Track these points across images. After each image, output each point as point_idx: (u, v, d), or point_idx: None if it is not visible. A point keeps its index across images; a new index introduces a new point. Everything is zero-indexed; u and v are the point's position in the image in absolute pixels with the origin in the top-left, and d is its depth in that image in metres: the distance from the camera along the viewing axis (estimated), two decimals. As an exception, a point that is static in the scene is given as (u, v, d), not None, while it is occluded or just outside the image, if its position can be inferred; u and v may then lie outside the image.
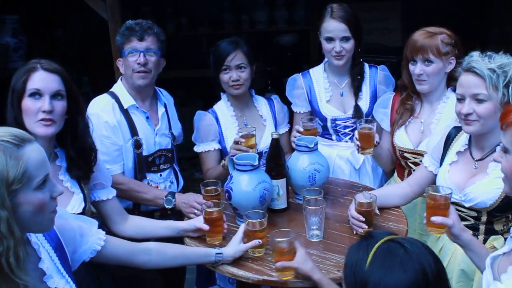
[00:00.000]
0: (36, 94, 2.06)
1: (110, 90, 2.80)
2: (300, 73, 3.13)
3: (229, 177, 2.45)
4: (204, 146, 2.94)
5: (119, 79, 2.85)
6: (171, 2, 5.83)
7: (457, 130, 2.36)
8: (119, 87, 2.80)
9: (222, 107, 3.00)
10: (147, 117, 2.79)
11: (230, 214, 2.50)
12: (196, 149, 2.98)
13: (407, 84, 2.76)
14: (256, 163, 2.38)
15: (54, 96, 2.08)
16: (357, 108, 2.98)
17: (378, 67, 3.06)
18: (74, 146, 2.16)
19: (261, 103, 3.08)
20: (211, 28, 5.80)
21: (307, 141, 2.58)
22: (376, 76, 3.03)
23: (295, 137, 2.70)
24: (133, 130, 2.72)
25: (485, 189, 2.16)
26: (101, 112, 2.66)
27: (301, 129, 2.78)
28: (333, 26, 2.84)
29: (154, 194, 2.70)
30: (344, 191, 2.75)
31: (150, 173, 2.80)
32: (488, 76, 2.07)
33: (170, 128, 2.92)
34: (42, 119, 2.04)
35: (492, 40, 5.24)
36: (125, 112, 2.72)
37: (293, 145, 2.68)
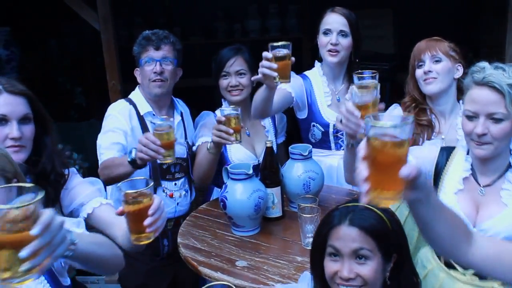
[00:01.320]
0: (2, 120, 1.89)
1: (128, 97, 2.85)
2: (299, 75, 2.99)
3: (223, 186, 2.45)
4: (206, 138, 2.75)
5: (137, 87, 2.87)
6: (163, 11, 5.84)
7: (448, 151, 2.07)
8: (136, 95, 2.82)
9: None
10: None
11: (225, 223, 2.50)
12: (197, 142, 2.84)
13: (417, 96, 2.61)
14: (251, 172, 2.38)
15: (22, 120, 1.91)
16: None
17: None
18: (38, 169, 1.95)
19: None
20: (203, 37, 5.81)
21: (301, 149, 2.59)
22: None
23: (263, 66, 2.36)
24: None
25: (509, 221, 1.87)
26: (118, 114, 2.70)
27: (270, 56, 2.36)
28: (332, 18, 2.79)
29: (121, 160, 2.51)
30: (339, 199, 2.75)
31: (165, 181, 2.80)
32: (508, 92, 1.80)
33: (186, 137, 2.91)
34: (11, 146, 1.87)
35: (483, 46, 5.27)
36: (141, 119, 2.75)
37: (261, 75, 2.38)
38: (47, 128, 2.02)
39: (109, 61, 3.75)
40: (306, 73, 3.03)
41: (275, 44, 2.36)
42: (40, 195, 1.21)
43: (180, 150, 2.82)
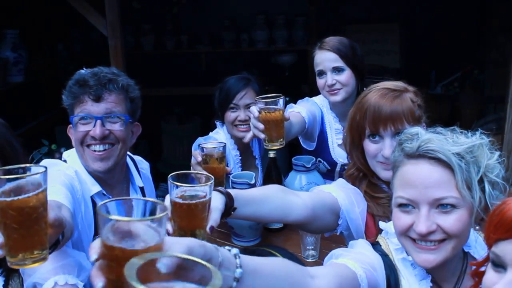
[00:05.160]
0: None
1: (63, 159, 2.00)
2: (313, 100, 2.72)
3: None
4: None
5: (74, 149, 1.98)
6: (171, 19, 5.88)
7: (391, 266, 1.43)
8: (74, 162, 1.95)
9: (228, 147, 2.66)
10: None
11: (226, 233, 2.49)
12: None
13: (364, 167, 1.90)
14: (253, 181, 2.37)
15: None
16: None
17: None
18: None
19: (255, 142, 2.87)
20: (210, 46, 5.84)
21: (304, 161, 2.58)
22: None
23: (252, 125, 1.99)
24: (96, 227, 1.84)
25: None
26: (72, 174, 1.86)
27: (256, 113, 1.94)
28: (322, 57, 2.53)
29: None
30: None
31: None
32: (458, 165, 1.29)
33: None
34: None
35: (489, 63, 5.28)
36: (92, 201, 1.90)
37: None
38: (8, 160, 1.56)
39: (116, 67, 3.75)
40: (318, 102, 2.73)
41: (264, 98, 1.96)
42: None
43: None
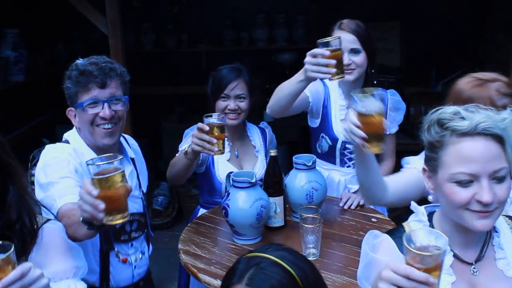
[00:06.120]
0: None
1: (64, 139, 2.28)
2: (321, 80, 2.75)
3: (226, 193, 2.44)
4: (187, 145, 2.54)
5: (74, 130, 2.29)
6: (171, 18, 5.87)
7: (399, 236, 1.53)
8: (75, 140, 2.25)
9: None
10: None
11: (226, 231, 2.49)
12: (180, 148, 2.72)
13: None
14: (254, 180, 2.37)
15: None
16: None
17: (388, 91, 2.80)
18: (3, 218, 1.66)
19: (254, 132, 2.97)
20: (211, 45, 5.84)
21: (305, 159, 2.58)
22: (387, 102, 2.77)
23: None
24: None
25: None
26: (69, 156, 2.13)
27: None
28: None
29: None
30: (342, 210, 2.74)
31: (120, 243, 2.30)
32: (508, 138, 1.44)
33: (140, 187, 2.44)
34: None
35: (490, 62, 5.27)
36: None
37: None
38: (11, 175, 1.69)
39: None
40: (325, 81, 2.80)
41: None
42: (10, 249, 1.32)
43: (135, 205, 2.36)
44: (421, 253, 1.22)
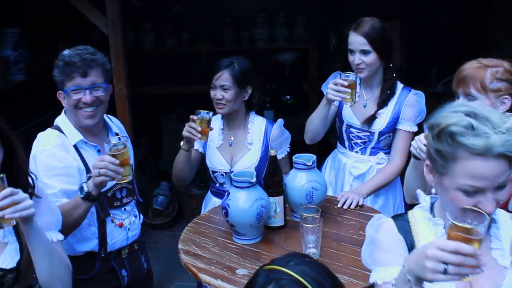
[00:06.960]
0: None
1: (54, 124, 2.54)
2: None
3: (226, 193, 2.44)
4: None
5: (63, 112, 2.57)
6: (172, 18, 5.87)
7: (405, 222, 1.68)
8: (63, 122, 2.52)
9: (216, 119, 3.00)
10: (98, 150, 2.52)
11: (226, 231, 2.49)
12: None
13: None
14: (254, 180, 2.37)
15: None
16: (369, 119, 2.93)
17: (412, 90, 2.95)
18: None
19: (257, 126, 2.97)
20: (211, 44, 5.83)
21: (305, 159, 2.58)
22: (404, 99, 2.91)
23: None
24: (86, 167, 2.44)
25: None
26: (53, 148, 2.41)
27: (345, 83, 2.73)
28: (352, 39, 2.87)
29: (72, 203, 2.31)
30: (342, 210, 2.74)
31: (113, 209, 2.55)
32: None
33: None
34: None
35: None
36: (75, 148, 2.46)
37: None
38: (15, 154, 1.94)
39: (117, 65, 3.76)
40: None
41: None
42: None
43: None
44: (471, 227, 1.30)
